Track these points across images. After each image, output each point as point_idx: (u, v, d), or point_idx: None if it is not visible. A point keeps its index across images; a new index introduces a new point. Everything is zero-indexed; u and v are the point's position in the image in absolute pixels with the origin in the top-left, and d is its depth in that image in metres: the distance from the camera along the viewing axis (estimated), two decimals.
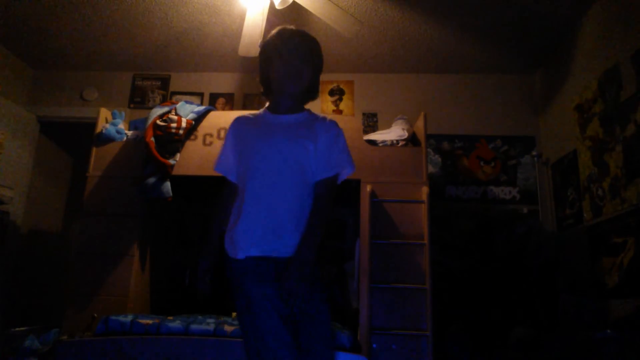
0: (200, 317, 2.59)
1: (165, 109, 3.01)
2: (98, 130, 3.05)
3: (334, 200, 1.60)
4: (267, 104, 1.72)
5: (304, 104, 1.68)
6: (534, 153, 3.82)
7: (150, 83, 4.22)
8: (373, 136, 3.03)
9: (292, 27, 1.65)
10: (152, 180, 2.80)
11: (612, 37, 2.90)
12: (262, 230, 1.48)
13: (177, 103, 3.10)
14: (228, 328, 2.37)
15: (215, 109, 3.14)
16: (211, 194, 3.46)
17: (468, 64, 3.94)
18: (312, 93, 1.67)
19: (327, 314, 1.50)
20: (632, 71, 2.66)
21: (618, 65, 2.79)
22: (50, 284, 4.21)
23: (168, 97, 4.14)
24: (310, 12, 2.81)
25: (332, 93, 4.12)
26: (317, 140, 1.57)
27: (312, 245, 1.45)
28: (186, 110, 2.99)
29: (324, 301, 1.51)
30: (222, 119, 3.01)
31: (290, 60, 1.57)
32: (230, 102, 4.14)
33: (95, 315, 2.64)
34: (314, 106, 4.06)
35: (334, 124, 1.63)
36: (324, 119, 1.65)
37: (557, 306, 3.22)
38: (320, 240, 1.48)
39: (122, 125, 3.13)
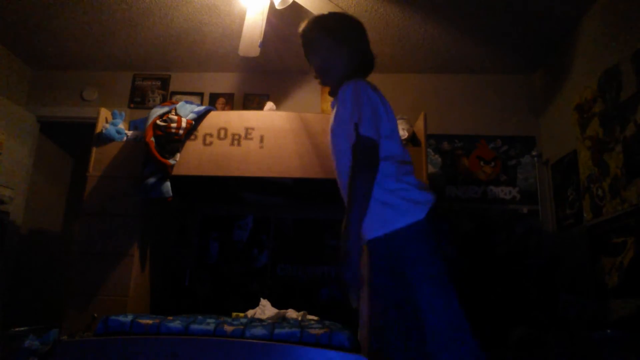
0: (200, 317, 2.59)
1: (165, 109, 3.01)
2: (98, 130, 3.05)
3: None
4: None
5: (334, 85, 1.74)
6: (534, 153, 3.82)
7: (150, 83, 4.22)
8: None
9: (303, 23, 1.72)
10: (152, 180, 2.80)
11: (612, 37, 2.90)
12: None
13: (177, 103, 3.09)
14: (228, 328, 2.36)
15: (215, 109, 3.14)
16: (211, 194, 3.46)
17: (468, 64, 3.94)
18: (331, 70, 1.72)
19: None
20: (632, 71, 2.66)
21: (618, 65, 2.79)
22: (50, 284, 4.21)
23: (168, 97, 4.14)
24: (310, 12, 2.81)
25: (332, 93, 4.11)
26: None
27: None
28: (186, 110, 2.98)
29: None
30: (222, 119, 3.00)
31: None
32: (230, 102, 4.14)
33: (95, 315, 2.64)
34: (313, 106, 4.09)
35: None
36: None
37: (557, 306, 3.22)
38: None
39: (122, 125, 3.13)
